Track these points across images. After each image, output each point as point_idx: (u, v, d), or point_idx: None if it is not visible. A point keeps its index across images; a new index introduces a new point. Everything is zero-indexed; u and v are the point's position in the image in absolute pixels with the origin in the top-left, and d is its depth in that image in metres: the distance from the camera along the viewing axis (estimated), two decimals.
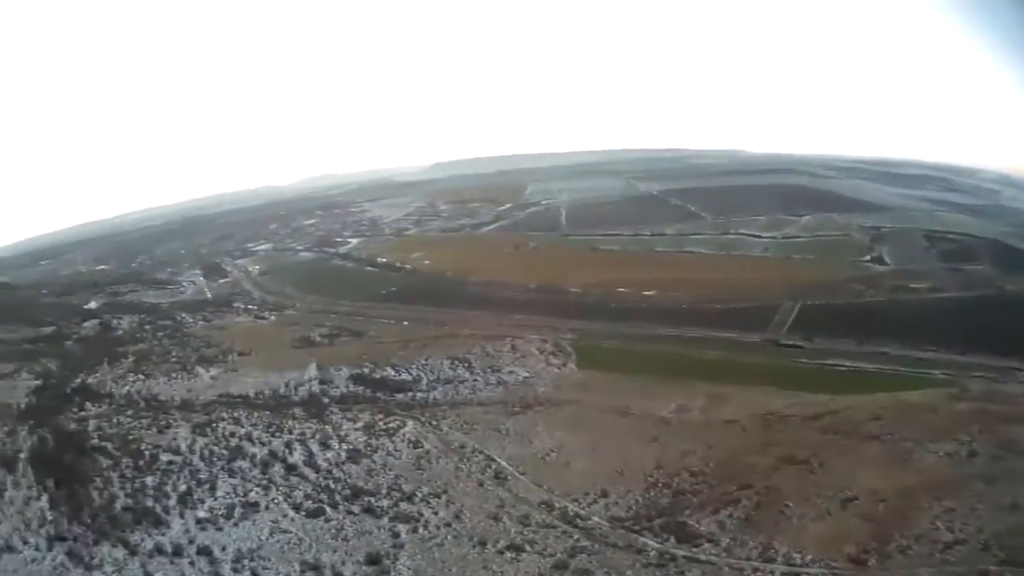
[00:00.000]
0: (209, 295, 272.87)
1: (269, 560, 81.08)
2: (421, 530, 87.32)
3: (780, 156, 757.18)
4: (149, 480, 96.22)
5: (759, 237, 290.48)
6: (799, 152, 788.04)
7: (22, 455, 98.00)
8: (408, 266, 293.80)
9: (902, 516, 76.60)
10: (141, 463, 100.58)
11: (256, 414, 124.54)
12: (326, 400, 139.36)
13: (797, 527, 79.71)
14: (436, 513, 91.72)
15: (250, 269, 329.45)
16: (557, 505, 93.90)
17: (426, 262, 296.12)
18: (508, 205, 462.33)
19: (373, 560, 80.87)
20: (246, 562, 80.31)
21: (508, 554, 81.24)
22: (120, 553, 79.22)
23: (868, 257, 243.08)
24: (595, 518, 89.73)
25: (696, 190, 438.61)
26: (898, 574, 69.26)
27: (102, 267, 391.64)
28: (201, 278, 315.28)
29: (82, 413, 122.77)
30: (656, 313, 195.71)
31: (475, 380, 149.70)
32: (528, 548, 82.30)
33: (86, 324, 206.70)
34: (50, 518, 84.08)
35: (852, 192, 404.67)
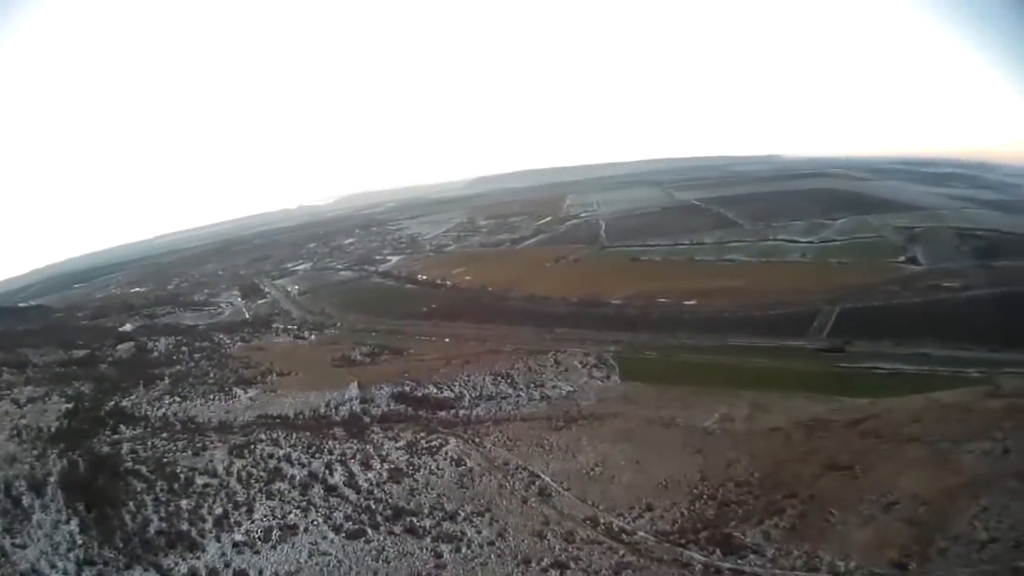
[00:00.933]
0: (248, 316, 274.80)
1: None
2: (464, 550, 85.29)
3: (814, 159, 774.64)
4: (184, 503, 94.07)
5: (796, 242, 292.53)
6: (832, 154, 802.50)
7: (51, 479, 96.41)
8: (449, 282, 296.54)
9: (942, 517, 74.62)
10: (176, 486, 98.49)
11: (296, 435, 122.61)
12: (367, 419, 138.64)
13: (841, 534, 77.56)
14: (479, 532, 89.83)
15: (289, 289, 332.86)
16: (602, 520, 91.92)
17: (467, 278, 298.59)
18: (548, 218, 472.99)
19: None
20: None
21: (553, 572, 79.23)
22: None
23: (902, 258, 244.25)
24: (641, 532, 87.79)
25: (733, 197, 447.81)
26: None
27: (137, 289, 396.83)
28: (239, 299, 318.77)
29: (115, 436, 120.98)
30: (697, 322, 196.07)
31: (518, 395, 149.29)
32: (573, 565, 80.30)
33: (120, 346, 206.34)
34: (80, 542, 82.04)
35: (885, 193, 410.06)
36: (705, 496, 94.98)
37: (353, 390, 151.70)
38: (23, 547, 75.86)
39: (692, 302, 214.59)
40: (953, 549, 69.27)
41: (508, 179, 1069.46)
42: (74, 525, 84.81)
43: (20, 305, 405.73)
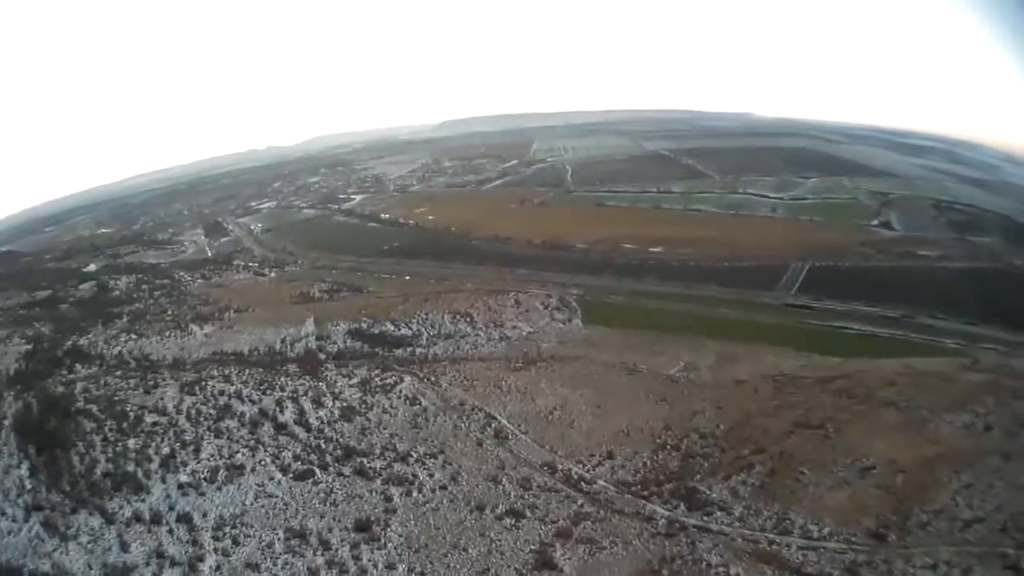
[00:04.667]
0: (210, 253, 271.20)
1: (252, 527, 78.23)
2: (415, 493, 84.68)
3: (789, 120, 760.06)
4: (131, 443, 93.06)
5: (767, 197, 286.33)
6: (807, 117, 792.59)
7: (6, 421, 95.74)
8: (411, 222, 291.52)
9: (921, 489, 73.99)
10: (125, 426, 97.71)
11: (248, 371, 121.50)
12: (322, 356, 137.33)
13: (814, 496, 76.64)
14: (432, 475, 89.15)
15: (252, 227, 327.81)
16: (560, 467, 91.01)
17: (430, 218, 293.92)
18: (514, 162, 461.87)
19: (363, 526, 77.88)
20: (227, 530, 77.49)
21: (507, 520, 78.31)
22: (96, 522, 76.66)
23: (876, 222, 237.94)
24: (600, 482, 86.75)
25: (704, 150, 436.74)
26: (919, 551, 66.34)
27: (104, 230, 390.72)
28: (203, 237, 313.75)
29: (71, 376, 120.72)
30: (663, 270, 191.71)
31: (477, 335, 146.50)
32: (529, 514, 79.42)
33: (83, 287, 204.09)
34: (29, 487, 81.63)
35: (859, 157, 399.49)
36: (669, 447, 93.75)
37: (309, 326, 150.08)
38: None
39: (658, 249, 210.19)
40: (935, 524, 68.72)
41: (476, 123, 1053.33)
42: (24, 469, 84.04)
43: None
